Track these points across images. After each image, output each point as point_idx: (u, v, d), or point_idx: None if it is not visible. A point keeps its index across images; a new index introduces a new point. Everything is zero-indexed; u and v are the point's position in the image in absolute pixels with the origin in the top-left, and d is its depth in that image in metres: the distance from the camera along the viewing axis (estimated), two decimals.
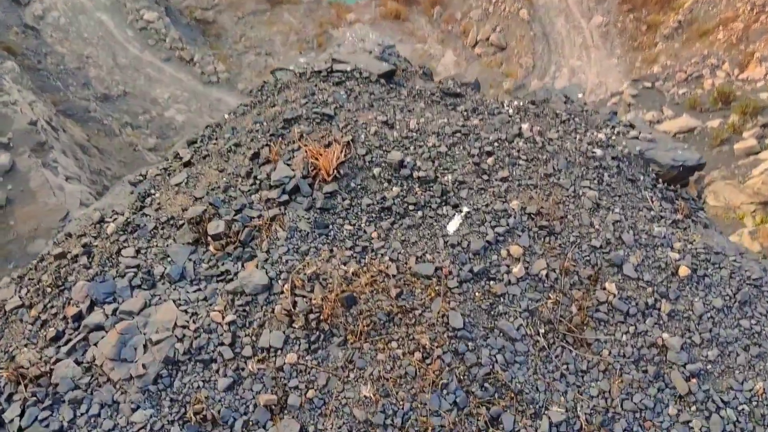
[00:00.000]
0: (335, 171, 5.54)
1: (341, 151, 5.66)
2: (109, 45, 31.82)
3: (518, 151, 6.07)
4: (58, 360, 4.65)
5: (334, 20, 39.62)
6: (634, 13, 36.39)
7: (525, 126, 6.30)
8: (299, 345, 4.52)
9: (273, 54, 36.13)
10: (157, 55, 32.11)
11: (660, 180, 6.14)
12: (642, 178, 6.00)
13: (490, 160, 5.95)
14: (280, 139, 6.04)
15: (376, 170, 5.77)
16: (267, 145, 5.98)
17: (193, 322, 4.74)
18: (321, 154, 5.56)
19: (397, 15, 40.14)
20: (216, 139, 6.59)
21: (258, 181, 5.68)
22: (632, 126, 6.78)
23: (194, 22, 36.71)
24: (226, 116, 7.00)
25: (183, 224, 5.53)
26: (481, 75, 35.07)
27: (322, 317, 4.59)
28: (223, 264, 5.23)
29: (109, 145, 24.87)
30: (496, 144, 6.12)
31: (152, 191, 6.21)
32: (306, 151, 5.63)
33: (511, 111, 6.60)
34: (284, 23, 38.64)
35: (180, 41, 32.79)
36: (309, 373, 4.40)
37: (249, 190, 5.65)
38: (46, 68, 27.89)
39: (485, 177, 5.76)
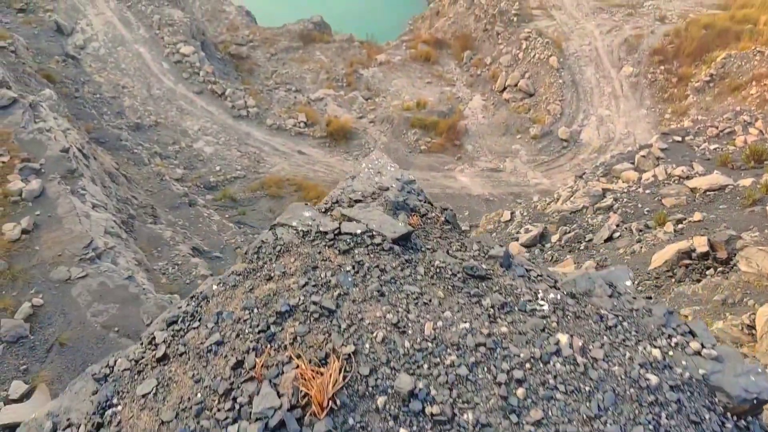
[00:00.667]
0: (330, 402, 4.56)
1: (339, 373, 4.70)
2: (144, 76, 32.62)
3: (555, 377, 4.89)
4: None
5: (364, 60, 40.24)
6: (665, 65, 36.36)
7: (563, 339, 5.15)
8: None
9: (302, 91, 36.71)
10: (190, 88, 32.81)
11: (729, 414, 5.07)
12: (708, 416, 4.90)
13: (520, 392, 4.76)
14: (269, 344, 5.10)
15: (380, 400, 4.67)
16: (253, 349, 5.08)
17: None
18: (314, 377, 4.61)
19: (427, 57, 40.65)
20: (198, 321, 5.55)
21: (238, 406, 4.72)
22: (692, 334, 5.38)
23: (228, 57, 37.57)
24: (215, 287, 5.80)
25: None
26: (509, 120, 35.15)
27: None
28: None
29: (138, 174, 25.25)
30: (528, 366, 4.94)
31: (115, 400, 5.31)
32: (298, 372, 4.69)
33: (546, 308, 5.35)
34: (315, 61, 39.35)
35: (213, 75, 33.50)
36: None
37: (226, 419, 4.70)
38: (83, 96, 28.62)
39: (514, 417, 4.66)
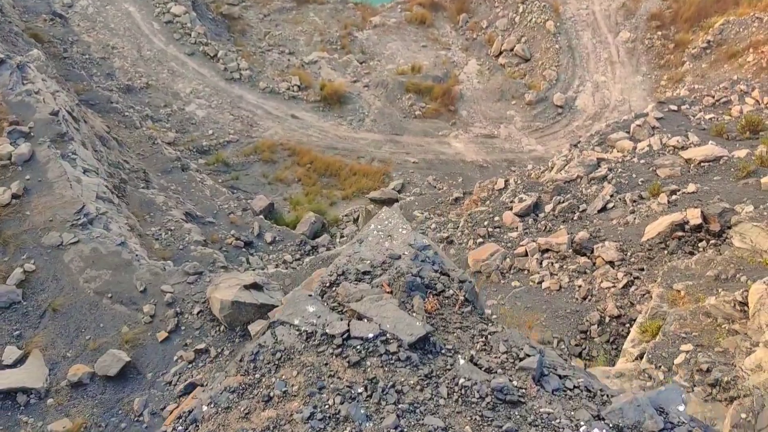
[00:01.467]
0: None
1: None
2: (135, 36, 31.92)
3: None
4: None
5: (359, 22, 39.51)
6: (662, 30, 35.93)
7: None
8: None
9: (296, 53, 36.10)
10: (181, 49, 32.18)
11: None
12: None
13: None
14: None
15: None
16: None
17: None
18: None
19: (423, 20, 39.94)
20: None
21: None
22: None
23: (220, 18, 36.76)
24: (205, 408, 4.87)
25: None
26: (504, 85, 34.76)
27: None
28: None
29: (129, 137, 24.91)
30: None
31: None
32: None
33: None
34: (309, 23, 38.59)
35: (205, 36, 32.83)
36: None
37: None
38: (72, 57, 28.01)
39: None
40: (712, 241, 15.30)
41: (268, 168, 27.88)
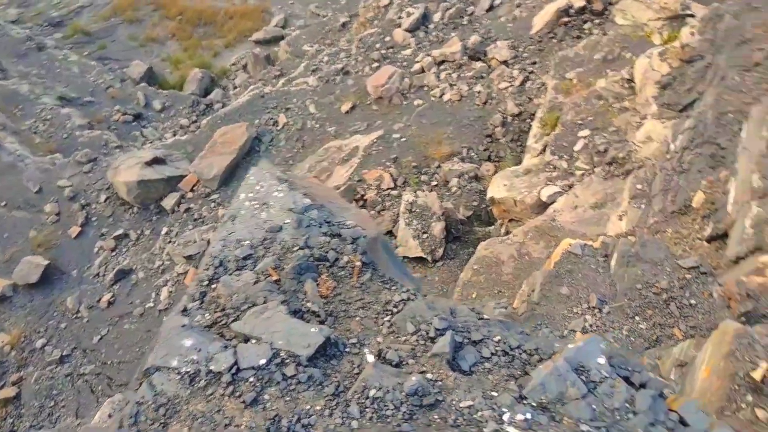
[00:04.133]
0: None
1: None
2: None
3: None
4: None
5: None
6: None
7: None
8: None
9: None
10: None
11: None
12: None
13: None
14: None
15: None
16: None
17: None
18: None
19: None
20: None
21: None
22: (683, 423, 3.57)
23: None
24: None
25: None
26: None
27: None
28: None
29: None
30: None
31: None
32: None
33: None
34: None
35: None
36: None
37: None
38: None
39: None
40: (597, 21, 15.60)
41: (135, 29, 25.35)
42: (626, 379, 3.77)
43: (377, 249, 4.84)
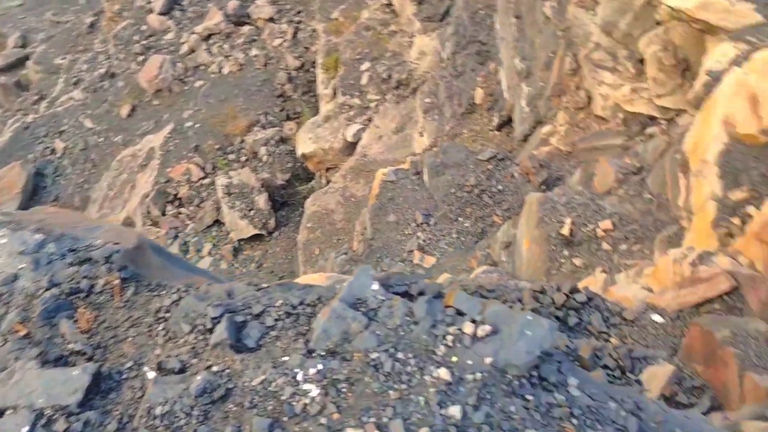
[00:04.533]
0: None
1: None
2: None
3: None
4: None
5: None
6: None
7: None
8: None
9: None
10: None
11: (529, 384, 3.98)
12: (514, 408, 3.06)
13: None
14: None
15: None
16: None
17: None
18: None
19: None
20: None
21: None
22: (460, 313, 3.58)
23: None
24: None
25: None
26: None
27: None
28: None
29: None
30: None
31: None
32: None
33: (316, 393, 3.62)
34: None
35: None
36: None
37: None
38: None
39: None
40: None
41: None
42: (405, 294, 3.84)
43: (143, 257, 4.48)
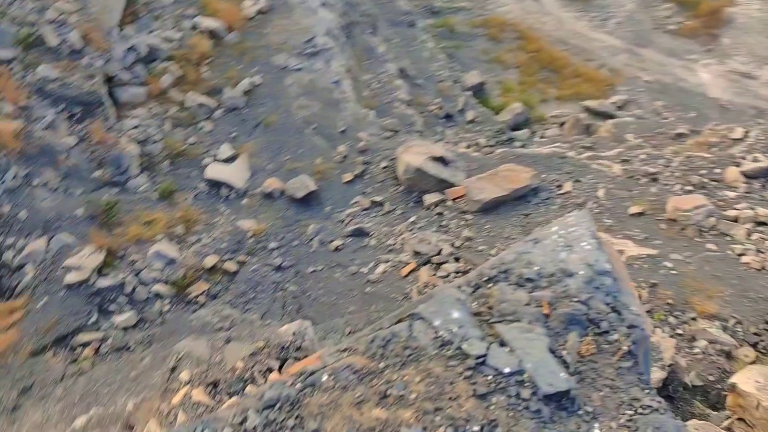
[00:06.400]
0: None
1: None
2: None
3: None
4: None
5: None
6: None
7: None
8: None
9: None
10: None
11: None
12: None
13: None
14: None
15: None
16: None
17: None
18: None
19: None
20: (295, 421, 4.61)
21: None
22: None
23: None
24: (325, 378, 4.74)
25: None
26: None
27: None
28: None
29: None
30: None
31: None
32: None
33: None
34: None
35: None
36: None
37: None
38: None
39: None
40: None
41: (492, 45, 26.93)
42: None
43: (643, 348, 4.95)
